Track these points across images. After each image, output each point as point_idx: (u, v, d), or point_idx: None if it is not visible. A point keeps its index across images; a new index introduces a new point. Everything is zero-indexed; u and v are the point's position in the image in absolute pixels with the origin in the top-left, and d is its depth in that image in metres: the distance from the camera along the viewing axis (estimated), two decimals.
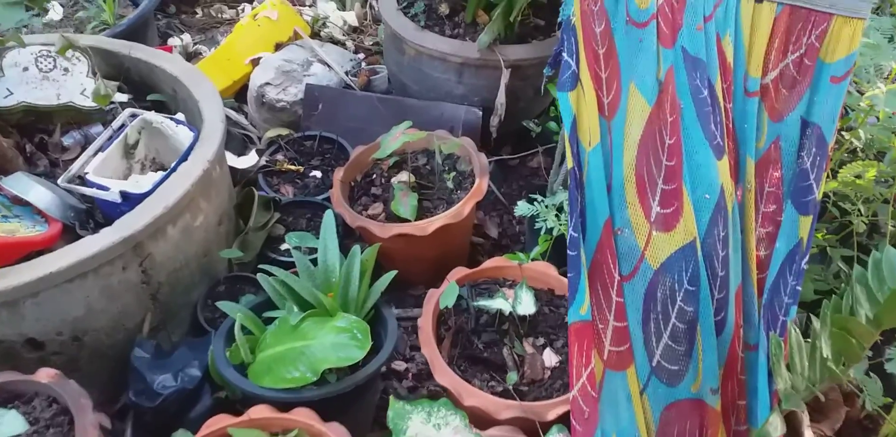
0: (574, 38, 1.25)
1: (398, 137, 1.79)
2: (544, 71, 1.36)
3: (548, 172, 2.34)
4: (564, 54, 1.25)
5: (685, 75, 1.23)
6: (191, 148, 1.65)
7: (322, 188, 2.08)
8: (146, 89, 2.01)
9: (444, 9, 2.26)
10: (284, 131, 2.31)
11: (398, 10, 2.20)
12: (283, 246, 1.92)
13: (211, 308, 1.76)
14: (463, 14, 2.26)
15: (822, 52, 1.26)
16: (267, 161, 2.12)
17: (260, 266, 1.56)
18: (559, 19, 1.26)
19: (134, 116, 1.73)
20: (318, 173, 2.12)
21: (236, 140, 2.28)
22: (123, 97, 1.98)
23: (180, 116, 1.75)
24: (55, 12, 2.63)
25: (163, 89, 1.97)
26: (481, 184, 1.83)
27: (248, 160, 2.18)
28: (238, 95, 2.55)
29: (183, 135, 1.69)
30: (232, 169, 2.14)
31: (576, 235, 1.19)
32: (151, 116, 1.70)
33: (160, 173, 1.62)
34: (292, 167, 2.11)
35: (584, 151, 1.24)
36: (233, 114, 2.33)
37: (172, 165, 1.60)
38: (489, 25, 2.04)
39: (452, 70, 2.15)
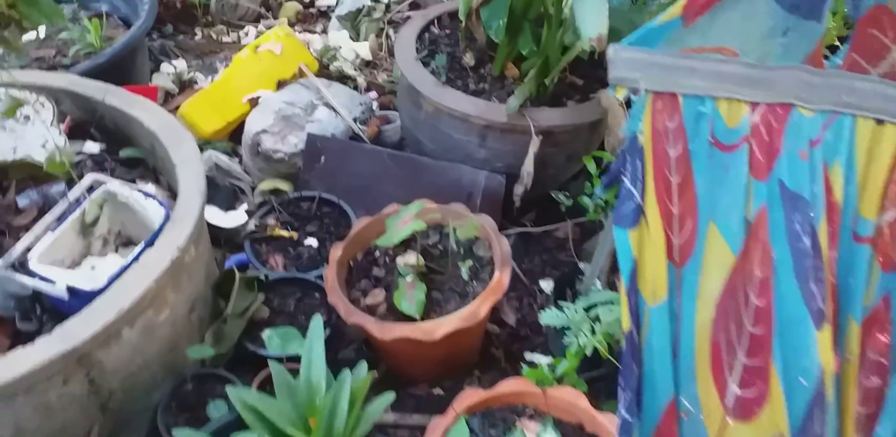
0: (640, 161, 0.98)
1: (407, 223, 1.52)
2: (596, 191, 1.09)
3: (576, 245, 2.08)
4: (626, 181, 0.99)
5: (782, 217, 0.96)
6: (160, 229, 1.38)
7: (317, 260, 1.81)
8: (122, 138, 1.75)
9: (468, 59, 1.99)
10: (282, 185, 2.04)
11: (416, 59, 1.93)
12: (267, 332, 1.66)
13: (174, 412, 1.49)
14: (490, 65, 2.00)
15: None
16: (256, 225, 1.85)
17: (230, 388, 1.30)
18: (622, 134, 0.99)
19: (96, 184, 1.46)
20: (313, 242, 1.85)
21: (225, 191, 2.01)
22: (95, 148, 1.72)
23: (150, 188, 1.49)
24: (38, 30, 2.36)
25: (140, 142, 1.70)
26: (501, 279, 1.56)
27: (236, 218, 1.92)
28: (235, 134, 2.28)
29: (153, 210, 1.43)
30: (216, 228, 1.88)
31: (630, 419, 0.93)
32: (116, 187, 1.43)
33: (120, 261, 1.36)
34: (284, 234, 1.84)
35: (644, 305, 0.98)
36: (224, 160, 2.07)
37: (135, 251, 1.34)
38: (520, 88, 1.77)
39: (475, 132, 1.88)
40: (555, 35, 1.75)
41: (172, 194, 1.59)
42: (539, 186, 1.96)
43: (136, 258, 1.32)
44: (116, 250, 1.53)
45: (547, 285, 1.95)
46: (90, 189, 1.46)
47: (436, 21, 2.11)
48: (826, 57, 0.98)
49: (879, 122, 0.99)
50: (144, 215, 1.44)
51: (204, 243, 1.58)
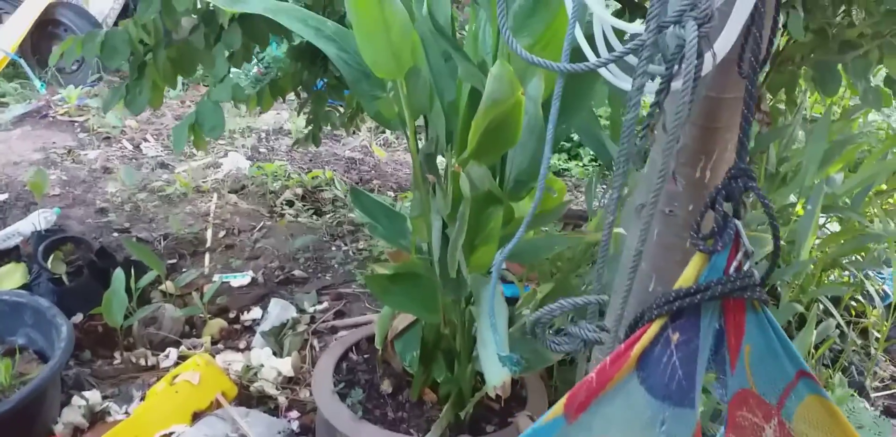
0: None
1: None
2: None
3: None
4: None
5: None
6: None
7: None
8: None
9: (386, 386, 2.01)
10: None
11: (333, 393, 1.94)
12: None
13: None
14: (408, 391, 2.01)
15: None
16: None
17: None
18: None
19: None
20: None
21: None
22: None
23: None
24: None
25: None
26: None
27: None
28: None
29: None
30: None
31: None
32: None
33: None
34: None
35: None
36: None
37: None
38: (436, 424, 1.77)
39: None
40: (465, 369, 1.81)
41: None
42: None
43: None
44: None
45: None
46: None
47: (354, 347, 2.17)
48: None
49: None
50: None
51: None
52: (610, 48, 1.21)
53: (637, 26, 1.13)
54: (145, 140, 4.76)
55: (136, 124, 4.95)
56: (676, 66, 1.02)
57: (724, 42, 1.06)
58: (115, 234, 3.49)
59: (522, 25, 1.44)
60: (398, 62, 1.39)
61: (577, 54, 1.56)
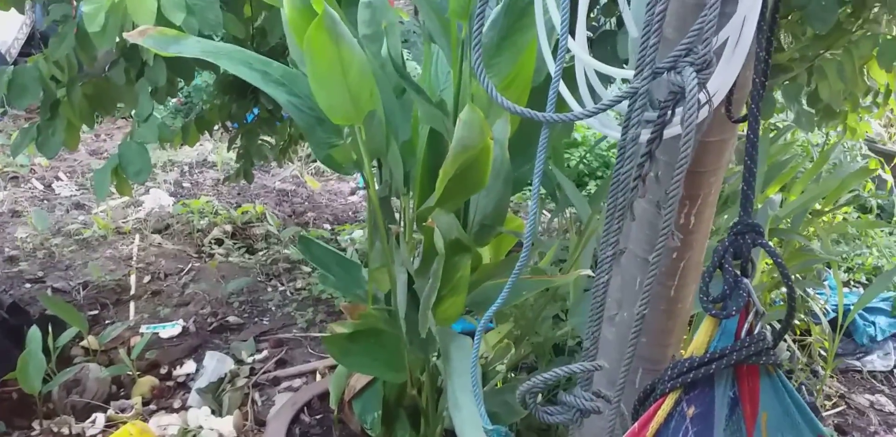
0: None
1: None
2: None
3: None
4: None
5: None
6: None
7: None
8: None
9: None
10: None
11: None
12: None
13: None
14: None
15: None
16: None
17: None
18: None
19: None
20: None
21: None
22: None
23: None
24: None
25: None
26: None
27: None
28: None
29: None
30: None
31: None
32: None
33: None
34: None
35: None
36: None
37: None
38: None
39: None
40: (434, 429, 1.68)
41: None
42: None
43: None
44: None
45: None
46: None
47: (306, 408, 2.01)
48: None
49: None
50: None
51: None
52: (593, 93, 1.13)
53: (625, 72, 1.05)
54: (57, 179, 4.45)
55: (47, 162, 4.63)
56: (669, 113, 0.95)
57: (721, 86, 0.99)
58: (28, 285, 3.20)
59: (488, 65, 1.34)
60: (357, 107, 1.27)
61: (536, 92, 1.48)
